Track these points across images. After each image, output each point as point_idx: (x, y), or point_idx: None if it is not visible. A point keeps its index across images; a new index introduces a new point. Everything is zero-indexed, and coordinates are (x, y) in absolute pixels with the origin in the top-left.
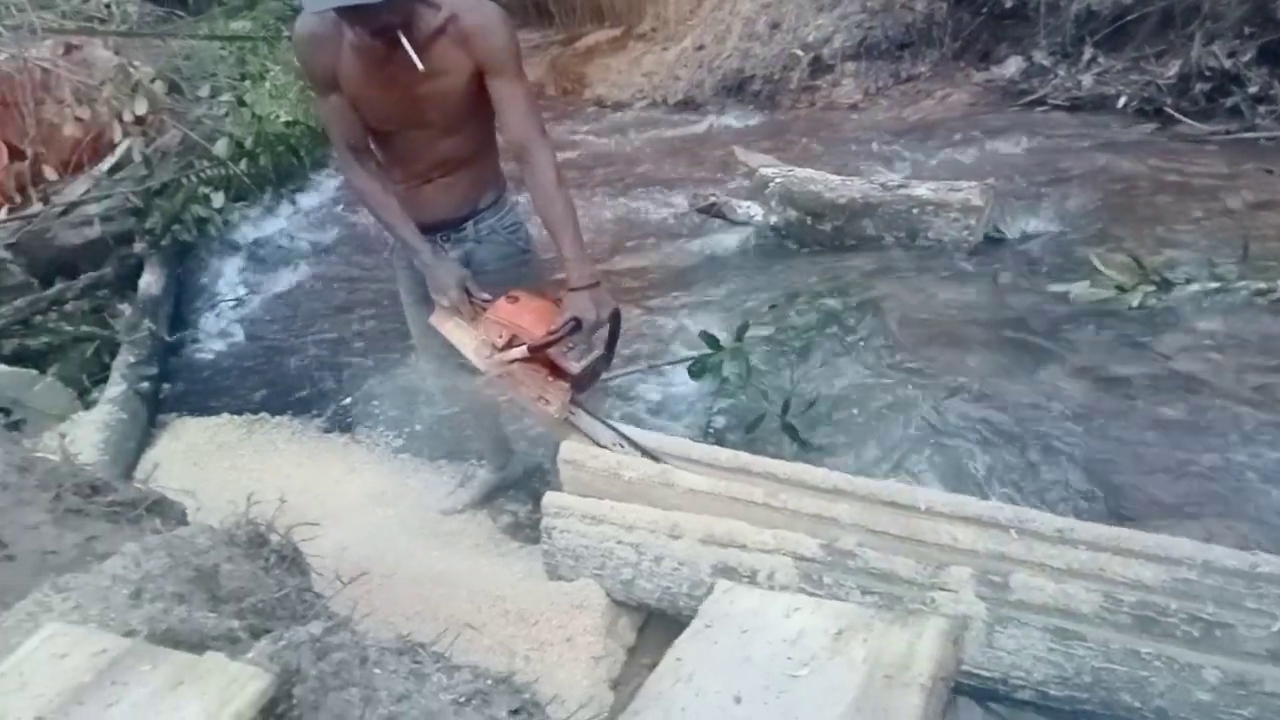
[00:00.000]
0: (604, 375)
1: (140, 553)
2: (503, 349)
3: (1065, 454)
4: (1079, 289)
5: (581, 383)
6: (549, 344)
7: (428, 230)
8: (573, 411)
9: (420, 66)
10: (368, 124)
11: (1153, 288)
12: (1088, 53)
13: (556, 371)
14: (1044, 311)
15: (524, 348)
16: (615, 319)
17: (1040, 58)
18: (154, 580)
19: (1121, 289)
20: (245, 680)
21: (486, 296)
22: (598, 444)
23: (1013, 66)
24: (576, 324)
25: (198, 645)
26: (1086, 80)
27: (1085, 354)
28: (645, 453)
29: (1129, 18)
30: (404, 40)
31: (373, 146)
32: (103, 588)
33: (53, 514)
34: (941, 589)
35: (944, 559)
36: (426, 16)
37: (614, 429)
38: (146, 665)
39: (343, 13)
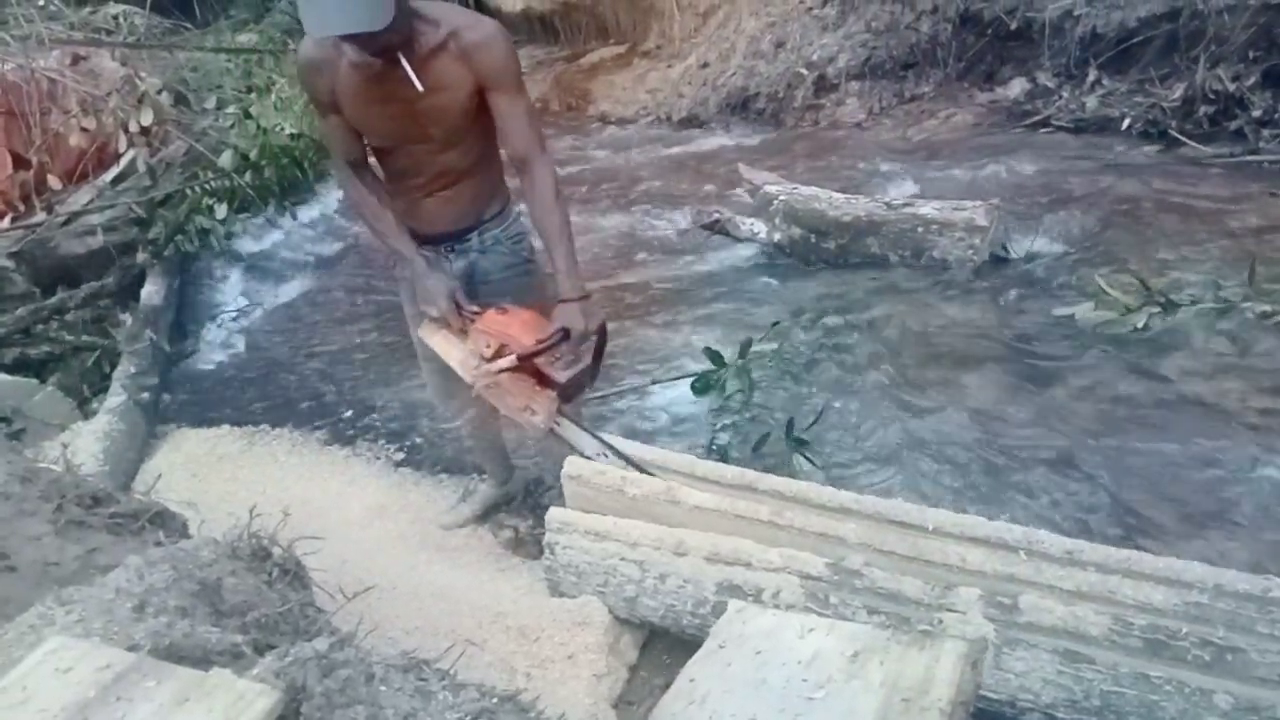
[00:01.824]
0: (590, 389)
1: (143, 565)
2: (491, 359)
3: (1069, 475)
4: (1084, 310)
5: (568, 393)
6: (538, 353)
7: (432, 241)
8: (558, 422)
9: (420, 87)
10: (369, 141)
11: (1158, 309)
12: (1092, 75)
13: (543, 381)
14: (1049, 332)
15: (513, 357)
16: (602, 332)
17: (1044, 79)
18: (157, 593)
19: (1127, 310)
20: (252, 698)
21: (475, 309)
22: (583, 455)
23: (1017, 87)
24: (565, 334)
25: (202, 660)
26: (1091, 102)
27: (1089, 375)
28: (630, 463)
29: (1133, 40)
30: (403, 61)
31: (373, 162)
32: (106, 600)
33: (54, 525)
34: (949, 610)
35: (952, 579)
36: (426, 33)
37: (600, 439)
38: (152, 681)
39: (345, 36)
